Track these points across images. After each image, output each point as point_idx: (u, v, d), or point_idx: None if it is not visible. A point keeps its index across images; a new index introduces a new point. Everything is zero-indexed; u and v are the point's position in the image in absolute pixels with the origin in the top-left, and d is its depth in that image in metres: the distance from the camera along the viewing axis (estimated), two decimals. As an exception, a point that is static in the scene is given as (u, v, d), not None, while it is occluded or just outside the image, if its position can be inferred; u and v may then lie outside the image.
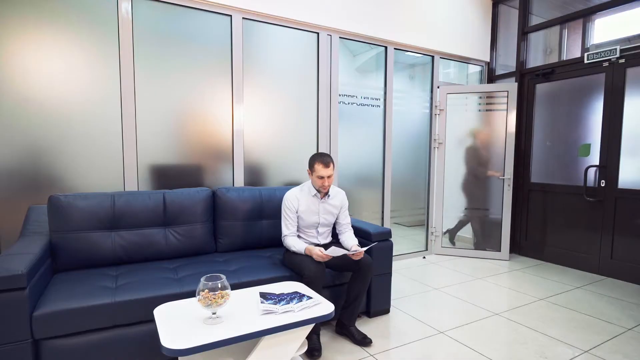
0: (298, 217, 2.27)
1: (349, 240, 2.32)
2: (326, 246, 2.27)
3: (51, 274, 1.98)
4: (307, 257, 2.10)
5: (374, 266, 2.28)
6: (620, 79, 3.33)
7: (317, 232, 2.33)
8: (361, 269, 2.16)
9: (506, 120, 3.82)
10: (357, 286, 2.18)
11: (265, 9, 2.91)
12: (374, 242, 2.25)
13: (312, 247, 2.12)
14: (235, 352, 1.57)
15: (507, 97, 3.74)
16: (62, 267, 2.06)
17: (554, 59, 4.00)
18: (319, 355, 2.01)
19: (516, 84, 3.50)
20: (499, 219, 3.87)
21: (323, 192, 2.28)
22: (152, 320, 1.79)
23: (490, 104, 3.94)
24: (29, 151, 2.29)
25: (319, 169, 2.18)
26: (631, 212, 3.28)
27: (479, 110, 4.02)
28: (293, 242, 2.21)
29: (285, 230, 2.26)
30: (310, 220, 2.28)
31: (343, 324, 2.24)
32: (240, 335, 1.34)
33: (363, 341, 2.15)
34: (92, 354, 1.67)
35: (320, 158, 2.20)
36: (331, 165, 2.20)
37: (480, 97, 4.00)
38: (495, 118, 3.92)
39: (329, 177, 2.19)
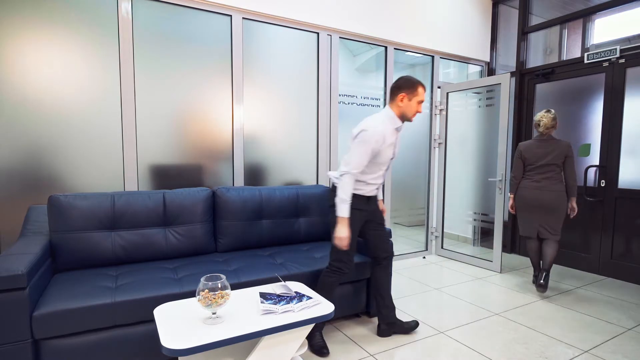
0: (376, 154, 1.97)
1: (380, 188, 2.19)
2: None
3: (51, 274, 1.98)
4: (351, 250, 2.03)
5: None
6: (620, 79, 3.33)
7: (386, 170, 2.10)
8: (389, 255, 2.22)
9: (499, 114, 3.61)
10: (384, 276, 2.24)
11: (265, 9, 2.91)
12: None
13: (347, 227, 1.95)
14: (235, 352, 1.57)
15: (500, 89, 3.67)
16: (62, 267, 2.06)
17: (554, 59, 4.00)
18: (328, 352, 2.01)
19: (508, 74, 3.47)
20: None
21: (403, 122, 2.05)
22: (152, 320, 1.79)
23: (491, 98, 3.93)
24: (29, 151, 2.29)
25: (422, 92, 1.99)
26: (631, 212, 3.29)
27: (479, 107, 4.02)
28: (350, 186, 1.91)
29: (351, 167, 1.91)
30: (387, 155, 2.01)
31: (391, 323, 2.25)
32: (240, 335, 1.34)
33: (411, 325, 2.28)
34: (92, 354, 1.67)
35: (421, 82, 2.02)
36: None
37: (479, 93, 4.00)
38: (494, 115, 3.92)
39: None
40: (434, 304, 2.78)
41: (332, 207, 2.03)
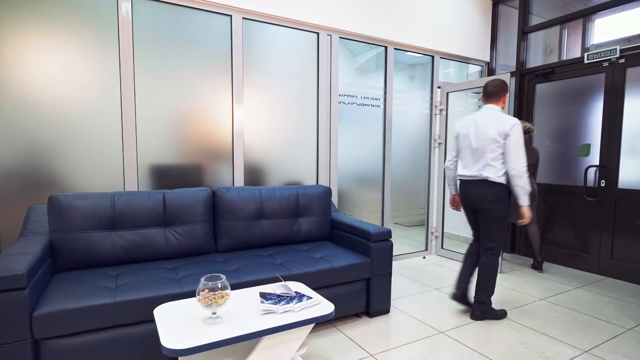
0: None
1: None
2: None
3: (51, 274, 1.98)
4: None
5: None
6: (620, 79, 3.33)
7: None
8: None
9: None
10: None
11: (265, 9, 2.92)
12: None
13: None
14: (235, 352, 1.57)
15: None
16: (62, 267, 2.06)
17: (554, 59, 4.00)
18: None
19: (508, 74, 3.48)
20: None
21: None
22: (152, 320, 1.79)
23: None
24: (29, 151, 2.29)
25: None
26: (631, 212, 3.29)
27: (479, 107, 4.02)
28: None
29: (525, 162, 2.31)
30: None
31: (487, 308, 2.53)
32: (240, 335, 1.34)
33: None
34: (92, 354, 1.67)
35: None
36: None
37: (479, 93, 4.00)
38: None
39: None
40: (434, 304, 2.78)
41: (497, 201, 2.40)
